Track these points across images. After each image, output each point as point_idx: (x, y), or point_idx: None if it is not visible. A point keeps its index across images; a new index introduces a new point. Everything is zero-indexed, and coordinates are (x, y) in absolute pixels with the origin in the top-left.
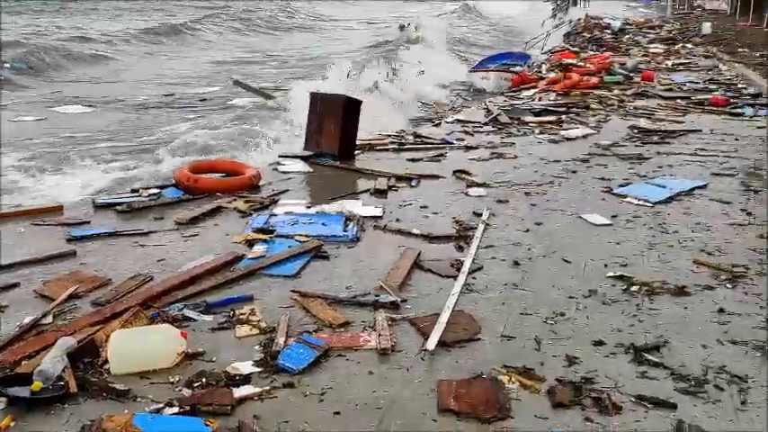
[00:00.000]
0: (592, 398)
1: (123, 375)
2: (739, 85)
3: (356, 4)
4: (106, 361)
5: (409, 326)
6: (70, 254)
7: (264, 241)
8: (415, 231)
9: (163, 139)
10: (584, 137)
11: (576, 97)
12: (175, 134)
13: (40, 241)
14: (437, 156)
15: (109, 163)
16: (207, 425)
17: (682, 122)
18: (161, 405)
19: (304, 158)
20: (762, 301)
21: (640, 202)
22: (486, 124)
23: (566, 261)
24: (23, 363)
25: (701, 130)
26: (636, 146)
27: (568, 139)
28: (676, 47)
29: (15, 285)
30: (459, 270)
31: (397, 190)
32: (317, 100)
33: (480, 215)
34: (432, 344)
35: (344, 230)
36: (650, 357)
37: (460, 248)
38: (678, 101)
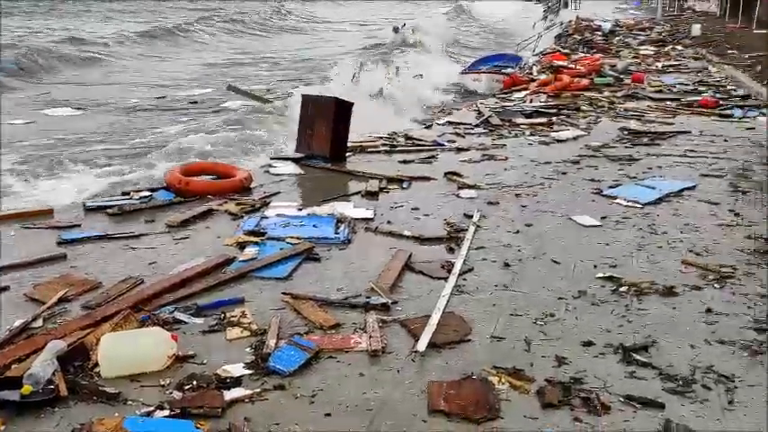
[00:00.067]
0: (581, 398)
1: (114, 378)
2: (728, 87)
3: (349, 6)
4: (96, 364)
5: (400, 327)
6: (60, 257)
7: (256, 243)
8: (407, 233)
9: (156, 142)
10: (575, 138)
11: (567, 99)
12: (168, 137)
13: (30, 244)
14: (428, 158)
15: (102, 167)
16: (197, 427)
17: (671, 124)
18: (151, 408)
19: (295, 161)
20: (749, 301)
21: (630, 204)
22: (477, 126)
23: (555, 262)
24: (13, 366)
25: (690, 132)
26: (626, 147)
27: (559, 141)
28: (666, 49)
29: (5, 289)
30: (449, 272)
31: (388, 192)
32: (308, 102)
33: (471, 217)
34: (422, 345)
35: (336, 232)
36: (639, 357)
37: (451, 250)
38: (668, 102)
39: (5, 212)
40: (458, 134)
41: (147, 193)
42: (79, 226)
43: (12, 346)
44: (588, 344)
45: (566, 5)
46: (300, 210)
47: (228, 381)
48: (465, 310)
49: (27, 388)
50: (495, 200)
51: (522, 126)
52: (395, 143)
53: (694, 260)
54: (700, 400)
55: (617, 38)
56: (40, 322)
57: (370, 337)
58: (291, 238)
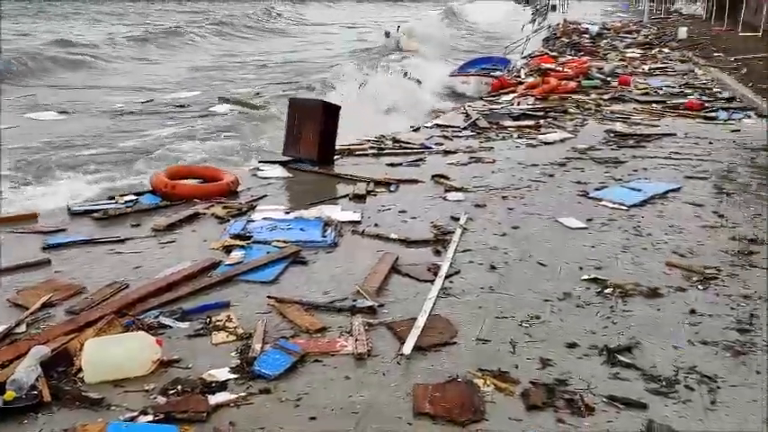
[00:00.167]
0: (565, 399)
1: (97, 384)
2: (714, 90)
3: (340, 8)
4: (80, 369)
5: (386, 330)
6: (45, 262)
7: (242, 247)
8: (393, 236)
9: (145, 146)
10: (562, 141)
11: (554, 102)
12: (155, 141)
13: (14, 249)
14: (416, 160)
15: (92, 174)
16: None
17: (657, 126)
18: (135, 413)
19: (283, 164)
20: (732, 303)
21: (615, 206)
22: (464, 129)
23: (541, 264)
24: None
25: (675, 134)
26: (612, 150)
27: (546, 144)
28: (653, 51)
29: None
30: (436, 274)
31: (375, 195)
32: (295, 105)
33: (458, 219)
34: (408, 348)
35: (323, 236)
36: (622, 358)
37: (438, 253)
38: (654, 105)
39: None
40: (445, 137)
41: (133, 197)
42: (65, 230)
43: None
44: (573, 345)
45: (554, 9)
46: (287, 213)
47: (213, 385)
48: (451, 313)
49: (10, 394)
50: (482, 202)
51: (509, 129)
52: (383, 146)
53: (678, 262)
54: (682, 400)
55: (604, 41)
56: (23, 328)
57: (356, 340)
58: (278, 241)
